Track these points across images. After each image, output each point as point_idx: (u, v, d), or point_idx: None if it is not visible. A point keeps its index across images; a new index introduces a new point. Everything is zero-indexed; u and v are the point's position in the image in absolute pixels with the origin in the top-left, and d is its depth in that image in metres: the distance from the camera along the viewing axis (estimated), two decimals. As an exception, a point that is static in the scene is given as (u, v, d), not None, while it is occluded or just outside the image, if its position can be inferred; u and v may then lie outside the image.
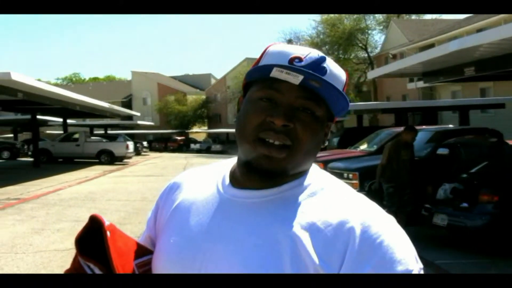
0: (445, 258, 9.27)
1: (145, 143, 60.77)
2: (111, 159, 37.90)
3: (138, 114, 57.81)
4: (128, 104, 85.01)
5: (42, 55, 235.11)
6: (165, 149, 67.64)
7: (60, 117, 43.55)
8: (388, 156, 10.61)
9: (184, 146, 68.83)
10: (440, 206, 10.15)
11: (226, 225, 1.36)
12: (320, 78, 1.30)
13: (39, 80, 29.20)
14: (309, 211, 1.33)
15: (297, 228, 1.29)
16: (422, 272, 1.27)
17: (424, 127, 16.94)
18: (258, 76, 1.38)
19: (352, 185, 13.03)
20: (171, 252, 1.42)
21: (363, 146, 17.59)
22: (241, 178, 1.43)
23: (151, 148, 66.57)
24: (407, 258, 1.26)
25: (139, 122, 59.58)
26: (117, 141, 39.64)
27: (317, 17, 44.63)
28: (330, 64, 1.38)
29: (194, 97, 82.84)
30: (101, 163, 37.31)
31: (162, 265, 1.44)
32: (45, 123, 45.46)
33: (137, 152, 48.77)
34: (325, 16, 43.32)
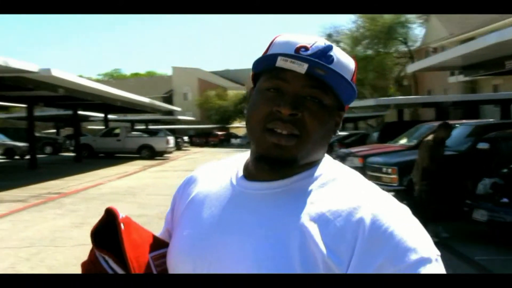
0: (485, 254, 9.09)
1: (185, 138, 61.00)
2: (151, 154, 38.07)
3: (179, 109, 58.12)
4: (169, 99, 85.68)
5: (85, 52, 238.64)
6: (206, 144, 67.91)
7: (101, 112, 44.03)
8: (424, 153, 10.45)
9: (224, 141, 69.12)
10: (480, 201, 9.98)
11: (238, 217, 1.37)
12: (325, 66, 1.30)
13: (80, 76, 29.60)
14: (319, 202, 1.32)
15: (306, 219, 1.29)
16: (439, 259, 1.24)
17: (464, 121, 16.68)
18: (264, 66, 1.39)
19: (391, 180, 12.97)
20: (184, 244, 1.43)
21: (403, 141, 17.41)
22: (253, 171, 1.43)
23: (192, 143, 66.81)
24: (421, 246, 1.22)
25: (180, 117, 60.03)
26: (158, 136, 39.81)
27: (356, 10, 44.17)
28: (337, 53, 1.37)
29: (234, 92, 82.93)
30: (141, 158, 37.48)
31: (175, 258, 1.45)
32: (86, 118, 46.09)
33: (178, 147, 49.00)
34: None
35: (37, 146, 34.37)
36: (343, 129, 46.75)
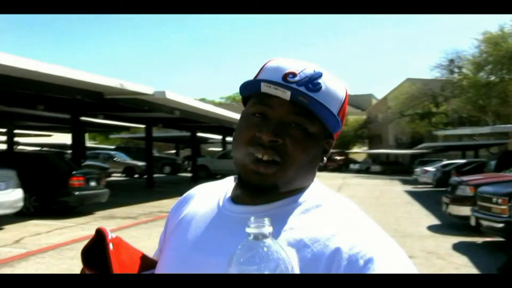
0: None
1: (304, 162, 60.99)
2: (266, 176, 38.19)
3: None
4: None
5: (210, 75, 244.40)
6: (324, 169, 67.74)
7: (219, 134, 44.96)
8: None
9: (343, 166, 68.83)
10: None
11: (220, 239, 1.35)
12: (307, 95, 1.28)
13: (203, 99, 30.22)
14: (299, 228, 1.30)
15: (284, 244, 1.24)
16: None
17: None
18: (250, 91, 1.39)
19: (502, 211, 12.37)
20: (168, 265, 1.43)
21: (519, 170, 16.58)
22: (238, 194, 1.42)
23: (310, 168, 66.71)
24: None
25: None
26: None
27: (478, 35, 43.00)
28: (327, 81, 1.35)
29: (354, 117, 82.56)
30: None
31: None
32: (206, 140, 47.05)
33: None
34: (487, 34, 41.47)
35: (157, 166, 35.54)
36: (462, 157, 45.43)
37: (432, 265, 9.98)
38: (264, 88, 1.30)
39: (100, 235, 1.46)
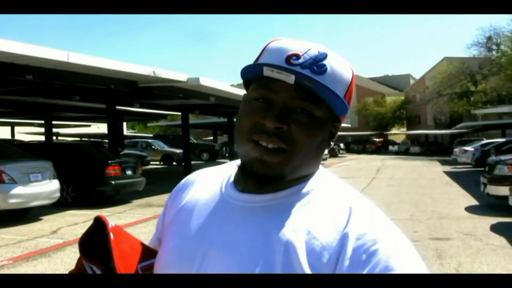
0: None
1: (341, 145, 60.95)
2: (305, 160, 38.06)
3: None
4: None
5: (246, 60, 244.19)
6: (363, 151, 67.62)
7: (256, 120, 44.77)
8: None
9: (382, 148, 68.46)
10: None
11: (224, 230, 1.32)
12: (311, 78, 1.22)
13: (240, 84, 30.25)
14: (306, 218, 1.26)
15: (292, 235, 1.23)
16: None
17: None
18: (252, 74, 1.33)
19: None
20: (171, 256, 1.38)
21: None
22: (242, 182, 1.38)
23: (349, 150, 66.67)
24: (407, 263, 1.17)
25: (335, 123, 59.92)
26: (311, 143, 39.80)
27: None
28: (332, 61, 1.30)
29: (392, 98, 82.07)
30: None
31: (161, 269, 1.40)
32: (242, 126, 47.08)
33: (333, 154, 49.07)
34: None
35: (195, 152, 35.66)
36: (502, 136, 44.66)
37: (469, 246, 9.84)
38: (267, 72, 1.25)
39: (99, 224, 1.42)
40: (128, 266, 1.40)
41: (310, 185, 1.33)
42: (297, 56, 1.27)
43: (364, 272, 1.14)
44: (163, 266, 1.39)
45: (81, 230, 12.12)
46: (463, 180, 24.23)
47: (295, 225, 1.25)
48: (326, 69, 1.27)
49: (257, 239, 1.25)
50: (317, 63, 1.27)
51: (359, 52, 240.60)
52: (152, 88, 18.53)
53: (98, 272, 1.41)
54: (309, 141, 1.27)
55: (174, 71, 17.79)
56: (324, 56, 1.28)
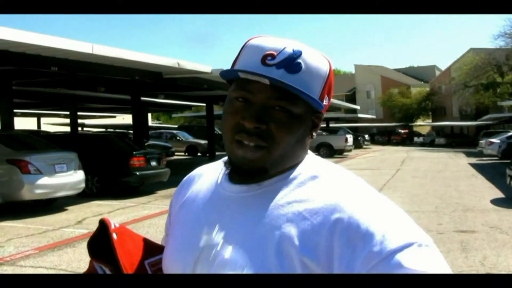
0: None
1: (366, 136, 60.66)
2: (330, 152, 38.05)
3: (358, 107, 57.94)
4: (352, 97, 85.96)
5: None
6: (388, 142, 67.23)
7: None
8: None
9: (407, 139, 68.06)
10: None
11: (220, 222, 1.37)
12: (284, 83, 1.26)
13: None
14: (297, 202, 1.31)
15: (283, 219, 1.28)
16: (430, 245, 1.18)
17: None
18: (230, 76, 1.37)
19: None
20: (174, 250, 1.44)
21: None
22: (232, 174, 1.43)
23: (373, 141, 66.33)
24: (405, 233, 1.18)
25: (361, 115, 59.79)
26: (337, 134, 39.83)
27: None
28: (307, 58, 1.33)
29: (418, 90, 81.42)
30: (320, 156, 37.67)
31: (167, 265, 1.46)
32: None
33: (358, 145, 48.91)
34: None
35: (219, 143, 35.64)
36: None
37: (494, 240, 9.74)
38: (242, 74, 1.30)
39: (103, 226, 1.47)
40: (134, 263, 1.46)
41: (298, 170, 1.38)
42: (272, 56, 1.30)
43: (368, 244, 1.15)
44: (169, 260, 1.45)
45: (105, 220, 12.25)
46: (489, 172, 23.99)
47: (286, 208, 1.29)
48: (301, 67, 1.30)
49: (249, 227, 1.30)
50: (292, 62, 1.30)
51: (384, 43, 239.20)
52: (177, 80, 18.58)
53: (107, 271, 1.46)
54: (288, 137, 1.32)
55: (199, 63, 17.83)
56: (299, 54, 1.31)
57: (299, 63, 1.31)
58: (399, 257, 1.12)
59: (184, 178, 1.63)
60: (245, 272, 1.24)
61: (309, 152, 1.44)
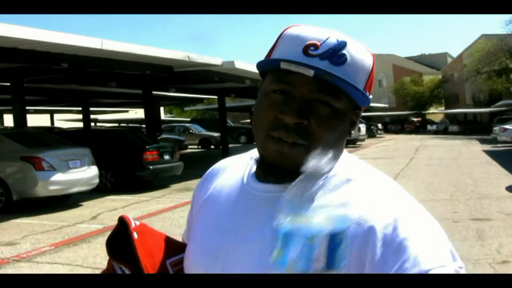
0: None
1: (379, 125, 60.49)
2: (343, 142, 37.88)
3: (370, 97, 57.68)
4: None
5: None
6: (401, 131, 67.08)
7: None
8: None
9: (420, 128, 67.91)
10: None
11: (247, 222, 1.30)
12: (330, 74, 1.18)
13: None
14: (329, 207, 1.22)
15: (313, 226, 1.19)
16: (459, 271, 1.11)
17: None
18: (269, 67, 1.29)
19: None
20: (197, 249, 1.37)
21: None
22: (261, 172, 1.35)
23: (387, 130, 66.15)
24: (437, 256, 1.10)
25: (373, 104, 59.59)
26: (350, 124, 39.59)
27: None
28: (352, 50, 1.24)
29: (430, 77, 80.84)
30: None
31: (189, 264, 1.40)
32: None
33: (371, 134, 48.80)
34: None
35: (232, 135, 35.71)
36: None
37: (510, 227, 9.68)
38: (284, 65, 1.20)
39: (123, 224, 1.42)
40: (156, 263, 1.40)
41: (333, 172, 1.29)
42: (315, 46, 1.22)
43: (399, 262, 1.09)
44: (191, 259, 1.39)
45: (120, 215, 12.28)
46: (504, 159, 23.83)
47: (318, 214, 1.21)
48: (346, 58, 1.22)
49: (277, 230, 1.23)
50: (336, 53, 1.21)
51: (396, 31, 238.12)
52: (188, 73, 18.56)
53: (126, 271, 1.40)
54: (328, 134, 1.23)
55: (209, 56, 17.84)
56: (344, 45, 1.23)
57: (344, 55, 1.22)
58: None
59: (207, 171, 1.56)
60: (271, 272, 1.18)
61: (345, 151, 1.35)
